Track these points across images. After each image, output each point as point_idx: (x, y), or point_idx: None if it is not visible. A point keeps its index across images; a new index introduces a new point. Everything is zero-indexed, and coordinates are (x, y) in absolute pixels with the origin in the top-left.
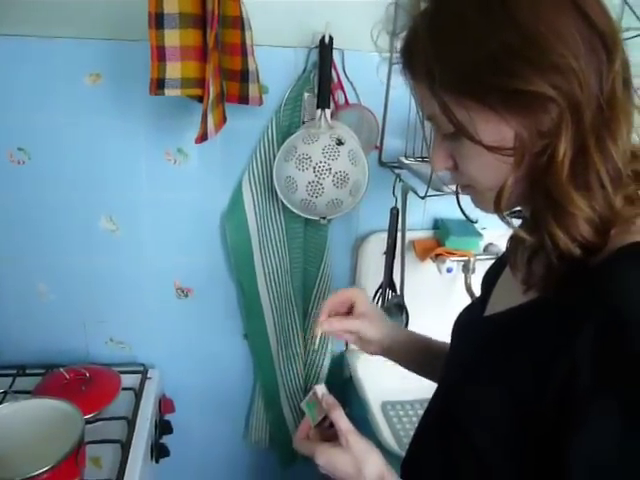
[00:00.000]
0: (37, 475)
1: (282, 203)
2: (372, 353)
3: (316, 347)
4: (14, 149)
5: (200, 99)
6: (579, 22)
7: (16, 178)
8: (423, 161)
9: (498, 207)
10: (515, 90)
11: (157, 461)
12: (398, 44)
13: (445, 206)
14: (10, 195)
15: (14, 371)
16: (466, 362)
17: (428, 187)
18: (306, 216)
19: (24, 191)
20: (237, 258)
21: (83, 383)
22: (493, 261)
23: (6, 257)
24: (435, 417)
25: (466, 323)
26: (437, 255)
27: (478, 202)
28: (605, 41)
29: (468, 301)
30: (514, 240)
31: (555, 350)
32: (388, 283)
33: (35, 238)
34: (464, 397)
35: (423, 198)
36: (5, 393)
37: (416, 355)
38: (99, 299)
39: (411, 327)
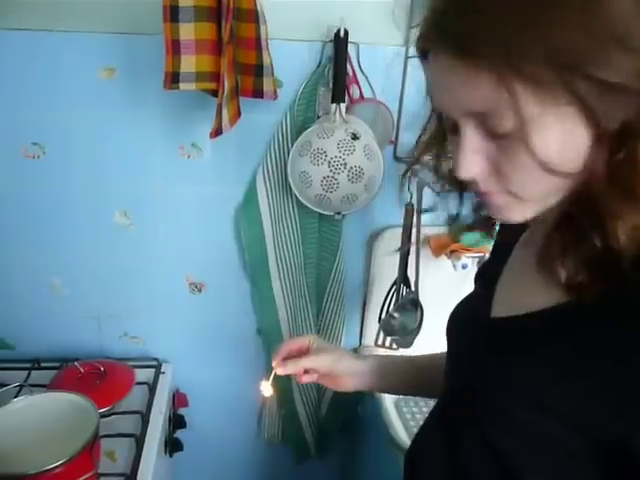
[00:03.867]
0: (53, 468)
1: (296, 198)
2: (350, 388)
3: (267, 394)
4: (28, 144)
5: (215, 93)
6: None
7: (31, 173)
8: None
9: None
10: (605, 82)
11: (171, 455)
12: (414, 36)
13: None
14: (25, 190)
15: (29, 365)
16: (481, 366)
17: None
18: (321, 211)
19: (39, 186)
20: (251, 253)
21: (97, 377)
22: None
23: (21, 251)
24: (446, 421)
25: (469, 323)
26: (452, 251)
27: (508, 212)
28: None
29: None
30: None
31: (620, 365)
32: (402, 279)
33: (49, 232)
34: (492, 404)
35: (438, 194)
36: (21, 386)
37: (408, 377)
38: (113, 294)
39: (425, 323)
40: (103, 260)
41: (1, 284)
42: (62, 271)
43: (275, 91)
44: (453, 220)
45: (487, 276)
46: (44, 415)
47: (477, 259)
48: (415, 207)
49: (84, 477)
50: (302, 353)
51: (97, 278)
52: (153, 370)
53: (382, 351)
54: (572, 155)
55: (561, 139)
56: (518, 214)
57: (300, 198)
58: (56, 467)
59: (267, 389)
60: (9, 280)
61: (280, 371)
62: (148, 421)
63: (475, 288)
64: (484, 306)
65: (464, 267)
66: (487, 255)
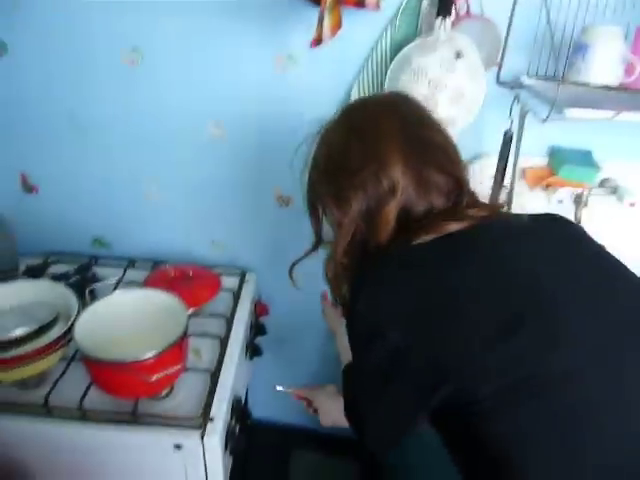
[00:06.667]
0: (148, 358)
1: None
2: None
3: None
4: (128, 49)
5: (317, 1)
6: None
7: (129, 79)
8: (548, 80)
9: None
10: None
11: (251, 358)
12: None
13: (564, 133)
14: (123, 96)
15: (125, 263)
16: None
17: (551, 110)
18: None
19: (136, 91)
20: None
21: (186, 280)
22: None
23: (120, 153)
24: None
25: None
26: (549, 185)
27: None
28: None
29: None
30: None
31: None
32: None
33: (146, 137)
34: None
35: (544, 121)
36: (118, 282)
37: None
38: (203, 202)
39: None
40: (194, 169)
41: (101, 185)
42: (156, 176)
43: (378, 2)
44: None
45: None
46: (139, 309)
47: (574, 195)
48: (515, 136)
49: (173, 369)
50: None
51: (189, 187)
52: (237, 278)
53: None
54: None
55: None
56: None
57: None
58: (150, 357)
59: (281, 387)
60: (108, 182)
61: (282, 389)
62: (231, 325)
63: None
64: None
65: (559, 202)
66: (585, 192)
